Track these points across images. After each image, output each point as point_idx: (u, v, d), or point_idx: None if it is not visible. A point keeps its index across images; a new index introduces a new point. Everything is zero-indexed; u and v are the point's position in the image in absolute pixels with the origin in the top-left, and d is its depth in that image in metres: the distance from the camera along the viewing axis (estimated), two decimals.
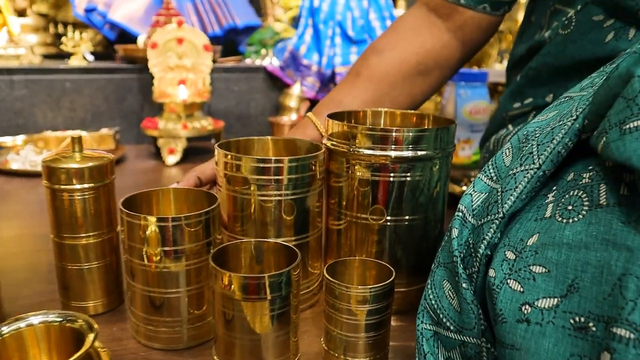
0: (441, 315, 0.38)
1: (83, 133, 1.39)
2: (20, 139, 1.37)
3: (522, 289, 0.33)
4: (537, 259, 0.33)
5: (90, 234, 0.60)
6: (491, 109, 1.44)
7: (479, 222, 0.38)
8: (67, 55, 1.65)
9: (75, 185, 0.59)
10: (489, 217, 0.38)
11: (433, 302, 0.40)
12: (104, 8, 1.79)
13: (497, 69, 1.74)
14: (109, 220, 0.62)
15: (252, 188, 0.59)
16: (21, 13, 1.84)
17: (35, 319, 0.46)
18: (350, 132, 0.61)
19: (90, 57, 1.66)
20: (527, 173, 0.37)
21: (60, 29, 2.01)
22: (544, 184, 0.38)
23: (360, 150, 0.61)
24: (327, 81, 1.66)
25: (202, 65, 1.44)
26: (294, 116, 1.58)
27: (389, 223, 0.62)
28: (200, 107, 1.40)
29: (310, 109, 1.66)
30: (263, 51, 1.77)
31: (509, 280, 0.34)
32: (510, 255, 0.35)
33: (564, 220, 0.33)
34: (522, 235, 0.35)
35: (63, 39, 1.63)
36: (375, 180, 0.61)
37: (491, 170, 0.42)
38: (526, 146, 0.39)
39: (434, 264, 0.42)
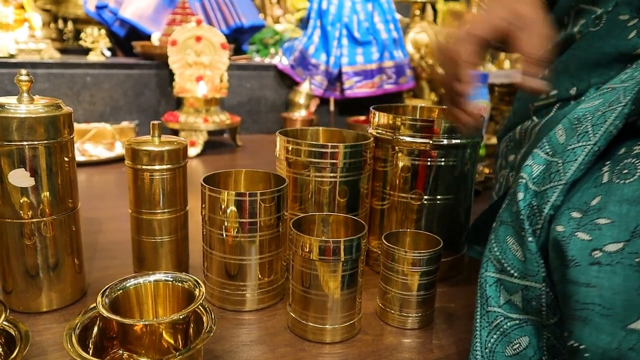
0: (505, 265, 0.47)
1: (106, 125, 1.45)
2: None
3: (590, 238, 0.41)
4: (601, 213, 0.42)
5: (165, 210, 0.68)
6: (489, 109, 1.54)
7: (542, 188, 0.47)
8: (72, 50, 1.70)
9: (155, 166, 0.66)
10: (552, 183, 0.47)
11: (498, 254, 0.48)
12: (115, 5, 1.85)
13: (492, 71, 1.84)
14: (182, 199, 0.70)
15: (310, 171, 0.68)
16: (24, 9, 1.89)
17: (152, 277, 0.54)
18: (395, 123, 0.70)
19: (108, 53, 1.72)
20: (585, 148, 0.46)
21: (60, 24, 2.06)
22: (597, 160, 0.47)
23: (403, 138, 0.70)
24: (334, 80, 1.75)
25: (219, 63, 1.52)
26: (303, 112, 1.66)
27: (425, 202, 0.71)
28: (218, 102, 1.47)
29: (319, 106, 1.75)
30: (272, 50, 1.85)
31: (577, 233, 0.42)
32: (576, 214, 0.44)
33: (621, 182, 0.42)
34: (585, 199, 0.44)
35: (82, 35, 1.68)
36: (415, 165, 0.70)
37: (547, 147, 0.51)
38: (580, 127, 0.48)
39: (496, 222, 0.51)
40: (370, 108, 0.76)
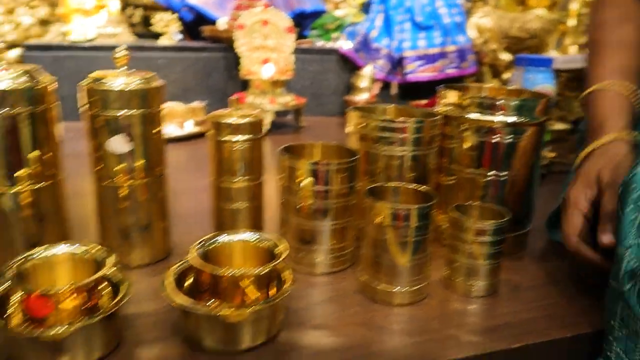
0: None
1: (178, 105, 1.52)
2: None
3: None
4: None
5: (244, 178, 0.73)
6: (554, 94, 1.52)
7: None
8: (141, 35, 1.77)
9: (237, 137, 0.71)
10: None
11: None
12: None
13: (558, 56, 1.81)
14: (259, 169, 0.74)
15: (381, 145, 0.71)
16: None
17: (240, 235, 0.59)
18: (464, 100, 0.72)
19: (178, 37, 1.80)
20: None
21: (130, 11, 2.15)
22: None
23: (470, 115, 0.72)
24: (396, 64, 1.76)
25: (285, 46, 1.56)
26: (365, 96, 1.69)
27: (491, 179, 0.73)
28: (283, 84, 1.52)
29: (381, 90, 1.77)
30: (334, 34, 1.88)
31: None
32: None
33: None
34: None
35: (153, 19, 1.77)
36: (482, 142, 0.72)
37: None
38: None
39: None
40: (438, 87, 0.78)
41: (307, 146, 0.73)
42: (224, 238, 0.58)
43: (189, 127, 1.45)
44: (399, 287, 0.61)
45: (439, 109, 0.77)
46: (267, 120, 1.47)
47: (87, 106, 0.64)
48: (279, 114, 1.59)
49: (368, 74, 1.70)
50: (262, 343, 0.53)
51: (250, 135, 0.72)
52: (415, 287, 0.62)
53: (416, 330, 0.57)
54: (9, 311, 0.51)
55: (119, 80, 0.64)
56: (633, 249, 0.51)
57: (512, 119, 0.71)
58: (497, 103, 0.71)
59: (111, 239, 0.68)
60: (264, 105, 1.46)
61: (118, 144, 0.65)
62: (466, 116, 0.72)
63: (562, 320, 0.60)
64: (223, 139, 0.71)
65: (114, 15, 1.77)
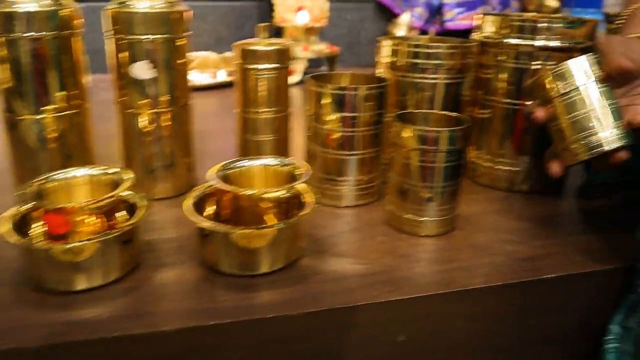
0: None
1: (211, 54, 1.51)
2: None
3: None
4: None
5: (271, 108, 0.71)
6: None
7: None
8: None
9: (263, 65, 0.69)
10: None
11: None
12: None
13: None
14: (285, 100, 0.72)
15: (413, 72, 0.67)
16: None
17: (260, 160, 0.57)
18: (502, 23, 0.68)
19: None
20: None
21: None
22: None
23: (509, 40, 0.67)
24: (435, 11, 1.69)
25: None
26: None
27: None
28: (317, 31, 1.48)
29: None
30: None
31: None
32: None
33: None
34: None
35: None
36: (522, 69, 0.68)
37: None
38: None
39: None
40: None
41: (335, 75, 0.70)
42: (245, 162, 0.56)
43: (222, 77, 1.43)
44: (426, 217, 0.58)
45: (476, 36, 0.72)
46: (300, 69, 1.44)
47: (111, 31, 0.63)
48: (313, 63, 1.55)
49: (405, 22, 1.64)
50: (280, 269, 0.52)
51: (277, 65, 0.69)
52: (443, 217, 0.59)
53: (443, 259, 0.55)
54: (30, 232, 0.51)
55: (142, 3, 0.62)
56: None
57: (555, 43, 0.66)
58: (539, 26, 0.66)
59: (135, 170, 0.67)
60: (296, 53, 1.43)
61: (141, 69, 0.63)
62: (504, 41, 0.68)
63: (595, 254, 0.57)
64: (249, 66, 0.69)
65: None
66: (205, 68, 1.49)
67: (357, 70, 1.70)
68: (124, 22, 0.61)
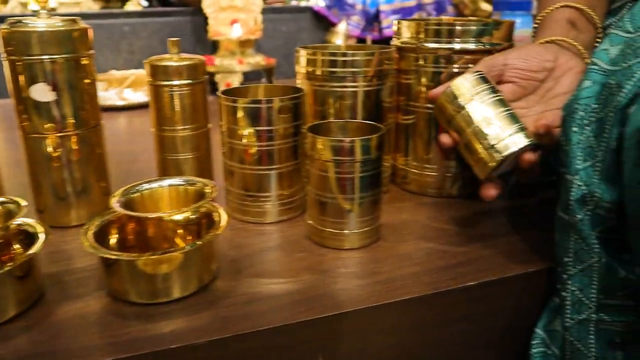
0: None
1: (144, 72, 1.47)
2: None
3: None
4: None
5: (187, 126, 0.68)
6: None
7: (625, 65, 0.44)
8: (120, 6, 1.72)
9: (175, 82, 0.66)
10: (639, 58, 0.43)
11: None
12: None
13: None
14: (203, 116, 0.69)
15: (331, 81, 0.66)
16: None
17: (166, 181, 0.54)
18: (419, 29, 0.67)
19: (145, 3, 1.73)
20: None
21: None
22: None
23: (427, 44, 0.67)
24: (372, 19, 1.70)
25: (253, 5, 1.50)
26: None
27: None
28: (252, 44, 1.46)
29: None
30: None
31: None
32: None
33: None
34: None
35: None
36: (439, 72, 0.67)
37: (628, 25, 0.47)
38: None
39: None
40: (393, 19, 0.73)
41: (250, 88, 0.68)
42: (149, 185, 0.53)
43: None
44: (347, 230, 0.56)
45: (394, 42, 0.71)
46: (236, 82, 1.41)
47: (4, 54, 0.59)
48: (251, 75, 1.53)
49: (342, 31, 1.64)
50: (193, 293, 0.49)
51: (190, 80, 0.67)
52: (365, 229, 0.57)
53: (365, 272, 0.53)
54: None
55: (39, 22, 0.58)
56: (582, 174, 0.46)
57: (472, 45, 0.66)
58: (456, 29, 0.65)
59: (46, 198, 0.64)
60: (232, 66, 1.41)
61: (41, 92, 0.59)
62: (422, 45, 0.67)
63: (518, 257, 0.56)
64: (161, 83, 0.66)
65: None
66: (139, 86, 1.44)
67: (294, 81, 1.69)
68: (19, 43, 0.58)
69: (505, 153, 0.52)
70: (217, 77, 1.42)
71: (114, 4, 1.78)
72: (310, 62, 0.66)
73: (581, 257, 0.48)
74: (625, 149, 0.43)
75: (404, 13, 1.69)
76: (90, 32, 0.62)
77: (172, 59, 0.67)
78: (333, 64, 0.65)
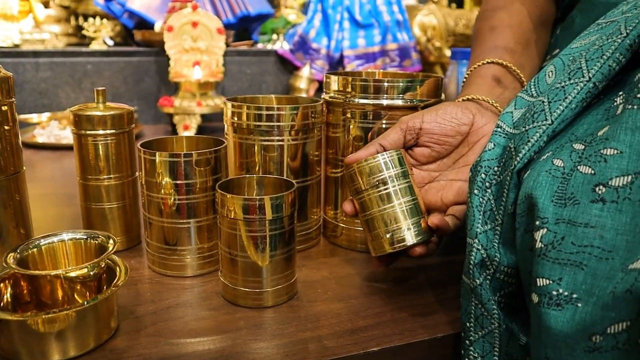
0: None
1: None
2: (45, 115, 1.46)
3: (593, 172, 0.37)
4: (607, 144, 0.37)
5: (112, 176, 0.67)
6: None
7: (523, 129, 0.45)
8: (88, 45, 1.73)
9: (99, 131, 0.65)
10: (535, 123, 0.44)
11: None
12: None
13: None
14: (129, 165, 0.69)
15: (255, 135, 0.66)
16: (45, 5, 1.92)
17: (66, 235, 0.53)
18: (347, 84, 0.67)
19: (110, 42, 1.74)
20: (577, 85, 0.43)
21: (81, 20, 2.09)
22: (608, 91, 0.43)
23: (354, 100, 0.67)
24: (336, 64, 1.72)
25: (216, 48, 1.51)
26: (303, 96, 1.64)
27: None
28: (213, 86, 1.47)
29: (319, 90, 1.73)
30: (274, 36, 1.84)
31: (579, 167, 0.38)
32: (578, 146, 0.40)
33: (636, 107, 0.37)
34: (591, 130, 0.40)
35: (84, 24, 1.71)
36: (369, 128, 0.67)
37: (532, 89, 0.48)
38: (574, 64, 0.45)
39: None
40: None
41: (170, 140, 0.68)
42: (48, 239, 0.52)
43: None
44: (258, 288, 0.55)
45: (323, 96, 0.72)
46: (194, 124, 1.41)
47: None
48: (214, 117, 1.53)
49: (306, 75, 1.65)
50: (89, 351, 0.47)
51: (114, 130, 0.66)
52: (277, 287, 0.56)
53: (265, 335, 0.51)
54: None
55: None
56: (481, 237, 0.46)
57: (399, 101, 0.66)
58: (383, 84, 0.66)
59: None
60: (190, 108, 1.41)
61: None
62: (350, 100, 0.67)
63: (427, 320, 0.55)
64: (84, 132, 0.66)
65: (47, 20, 1.71)
66: None
67: None
68: None
69: (394, 247, 0.53)
70: (176, 119, 1.42)
71: (80, 41, 1.78)
72: (236, 115, 0.66)
73: (482, 322, 0.47)
74: (517, 214, 0.43)
75: (368, 58, 1.72)
76: (12, 80, 0.62)
77: (98, 108, 0.66)
78: (258, 117, 0.65)
